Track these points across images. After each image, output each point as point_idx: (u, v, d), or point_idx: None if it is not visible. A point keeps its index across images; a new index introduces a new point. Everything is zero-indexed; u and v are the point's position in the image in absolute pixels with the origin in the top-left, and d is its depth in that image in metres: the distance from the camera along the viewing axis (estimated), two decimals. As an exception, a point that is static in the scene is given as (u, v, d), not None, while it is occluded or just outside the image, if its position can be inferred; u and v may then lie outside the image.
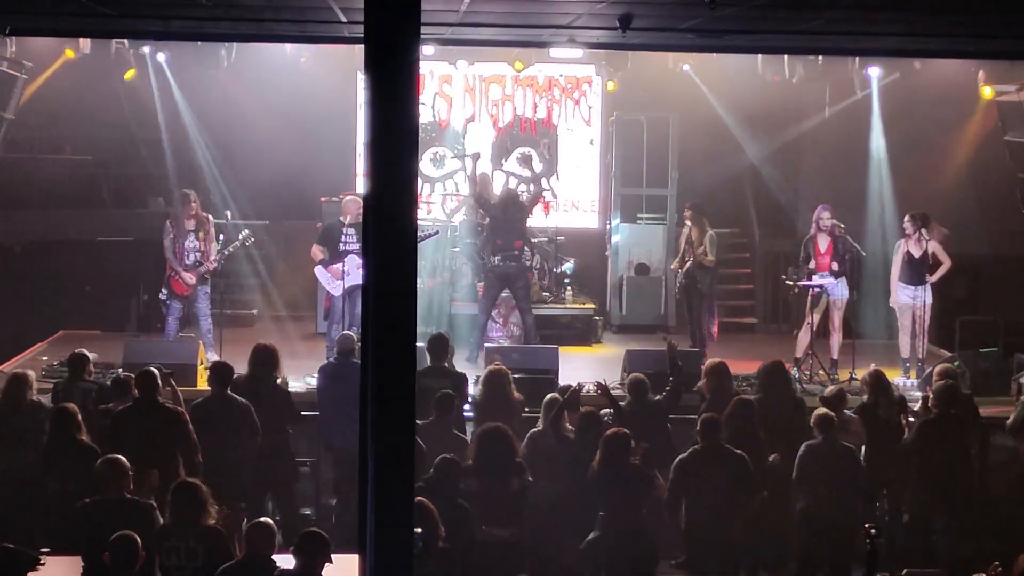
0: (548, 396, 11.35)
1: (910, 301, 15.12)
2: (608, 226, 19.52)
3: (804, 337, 15.14)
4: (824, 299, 15.09)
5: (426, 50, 16.82)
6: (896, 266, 15.21)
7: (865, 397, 12.04)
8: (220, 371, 11.26)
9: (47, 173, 19.70)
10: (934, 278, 15.10)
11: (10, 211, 18.89)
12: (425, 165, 19.82)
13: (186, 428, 10.56)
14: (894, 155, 18.29)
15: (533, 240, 17.45)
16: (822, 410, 11.08)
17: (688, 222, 15.87)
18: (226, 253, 14.89)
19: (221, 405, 11.11)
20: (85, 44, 17.10)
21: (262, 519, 8.59)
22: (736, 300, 19.33)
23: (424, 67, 18.93)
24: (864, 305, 15.55)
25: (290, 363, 13.55)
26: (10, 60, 16.32)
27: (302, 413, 11.99)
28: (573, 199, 20.28)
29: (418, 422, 10.04)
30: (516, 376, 12.25)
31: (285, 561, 8.20)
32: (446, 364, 12.25)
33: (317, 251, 15.15)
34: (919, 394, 13.02)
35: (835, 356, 15.13)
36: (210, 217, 15.13)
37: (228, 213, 15.27)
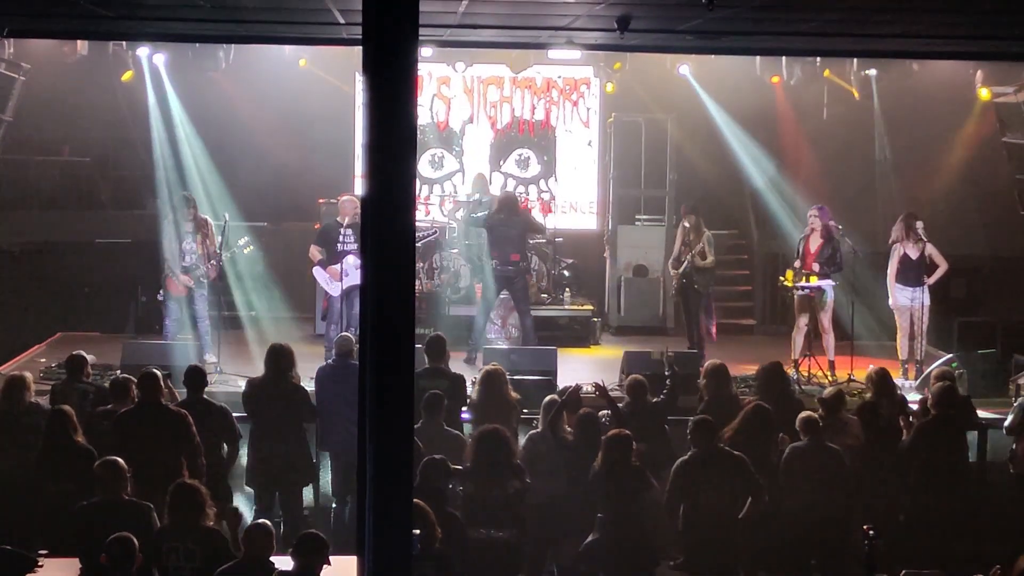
0: (547, 398, 11.34)
1: (908, 303, 15.13)
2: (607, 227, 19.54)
3: (798, 339, 15.16)
4: (813, 300, 15.08)
5: (424, 52, 16.85)
6: (892, 268, 15.22)
7: (868, 395, 12.03)
8: (148, 380, 11.11)
9: (45, 175, 19.70)
10: (931, 281, 15.11)
11: (8, 213, 18.89)
12: (423, 167, 19.83)
13: (190, 431, 10.54)
14: (893, 156, 18.30)
15: (531, 241, 17.42)
16: (807, 412, 11.08)
17: (685, 223, 15.88)
18: (224, 256, 14.86)
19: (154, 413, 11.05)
20: (83, 46, 17.11)
21: (260, 520, 8.59)
22: (734, 301, 19.33)
23: (422, 68, 18.94)
24: (863, 306, 15.52)
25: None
26: (8, 62, 16.32)
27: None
28: (571, 200, 20.29)
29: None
30: (515, 377, 12.24)
31: (284, 563, 8.20)
32: (443, 366, 12.24)
33: (315, 252, 15.16)
34: (917, 396, 13.02)
35: (831, 357, 15.13)
36: (208, 220, 15.11)
37: (226, 215, 15.24)
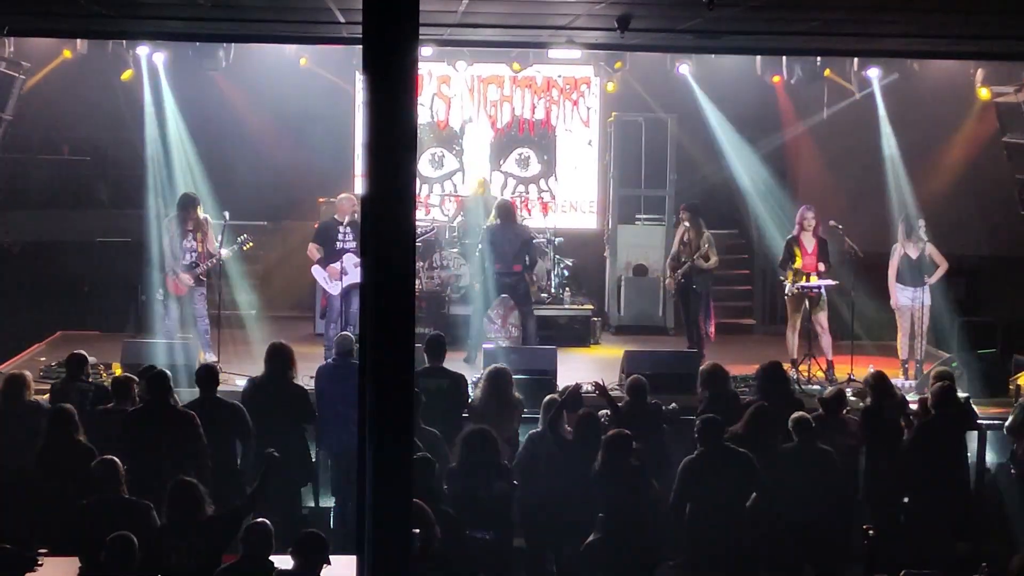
0: (547, 397, 11.34)
1: (909, 303, 15.13)
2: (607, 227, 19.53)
3: (793, 338, 15.15)
4: (810, 301, 15.06)
5: (425, 51, 16.85)
6: (893, 268, 15.21)
7: (868, 400, 12.02)
8: (158, 380, 11.02)
9: (45, 173, 19.71)
10: (932, 280, 15.11)
11: (8, 211, 18.88)
12: (423, 166, 19.83)
13: (197, 431, 10.54)
14: (899, 155, 18.29)
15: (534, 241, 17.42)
16: (799, 413, 11.08)
17: (684, 223, 15.86)
18: (224, 254, 14.85)
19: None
20: (82, 44, 17.10)
21: (260, 519, 8.59)
22: (734, 301, 19.32)
23: (423, 68, 18.93)
24: (863, 306, 15.51)
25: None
26: (8, 60, 16.32)
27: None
28: (571, 200, 20.29)
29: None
30: (515, 377, 12.22)
31: (283, 562, 8.20)
32: (443, 365, 12.23)
33: (313, 250, 15.14)
34: (917, 396, 13.01)
35: (830, 357, 15.12)
36: (208, 219, 15.11)
37: (226, 214, 15.23)
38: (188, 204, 14.86)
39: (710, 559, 10.39)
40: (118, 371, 13.23)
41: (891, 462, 11.60)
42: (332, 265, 14.91)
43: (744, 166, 19.23)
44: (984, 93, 17.20)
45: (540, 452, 10.88)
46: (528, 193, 19.99)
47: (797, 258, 15.03)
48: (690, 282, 15.63)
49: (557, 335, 16.94)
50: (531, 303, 16.29)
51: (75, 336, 16.36)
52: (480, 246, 16.10)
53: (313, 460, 11.94)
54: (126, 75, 17.77)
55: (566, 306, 17.87)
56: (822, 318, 15.10)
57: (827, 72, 18.15)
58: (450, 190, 19.91)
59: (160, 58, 17.36)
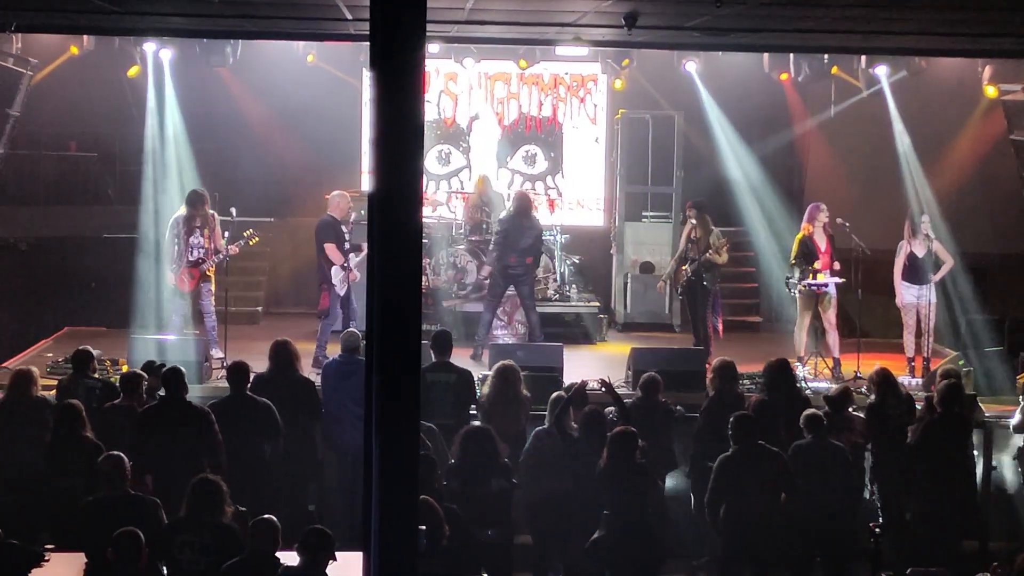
0: (553, 394, 11.34)
1: (915, 300, 15.10)
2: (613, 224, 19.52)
3: (801, 336, 15.13)
4: (820, 299, 15.05)
5: (432, 48, 16.83)
6: (899, 266, 15.19)
7: (873, 397, 12.01)
8: (173, 376, 11.01)
9: (52, 169, 19.73)
10: (937, 277, 15.10)
11: (16, 207, 18.91)
12: (430, 162, 19.84)
13: (212, 428, 10.55)
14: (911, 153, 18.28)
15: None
16: (811, 410, 11.09)
17: (691, 220, 15.84)
18: (231, 251, 14.83)
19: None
20: (89, 41, 17.11)
21: (266, 515, 8.59)
22: (740, 299, 19.31)
23: (430, 65, 18.93)
24: (869, 304, 15.50)
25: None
26: (15, 57, 16.33)
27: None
28: (578, 197, 20.30)
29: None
30: (522, 374, 12.21)
31: (289, 558, 8.21)
32: (450, 360, 12.22)
33: (336, 251, 14.86)
34: (924, 393, 12.99)
35: (837, 355, 15.11)
36: (215, 214, 15.10)
37: (233, 210, 15.22)
38: (196, 201, 14.84)
39: (742, 558, 10.40)
40: (125, 367, 13.24)
41: (897, 460, 11.59)
42: (354, 270, 14.71)
43: (750, 163, 19.22)
44: (989, 91, 17.17)
45: (546, 449, 10.88)
46: (535, 190, 19.97)
47: (815, 257, 15.01)
48: (700, 278, 15.59)
49: (564, 332, 16.94)
50: (535, 298, 16.29)
51: (82, 332, 16.38)
52: (494, 238, 16.10)
53: (319, 456, 11.94)
54: (133, 71, 17.78)
55: (573, 303, 17.86)
56: (831, 316, 15.09)
57: (834, 69, 18.14)
58: (457, 187, 19.91)
59: (167, 54, 17.35)
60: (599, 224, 20.16)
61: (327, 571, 8.05)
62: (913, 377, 14.79)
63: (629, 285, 18.77)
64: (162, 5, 13.23)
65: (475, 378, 12.39)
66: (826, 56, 17.62)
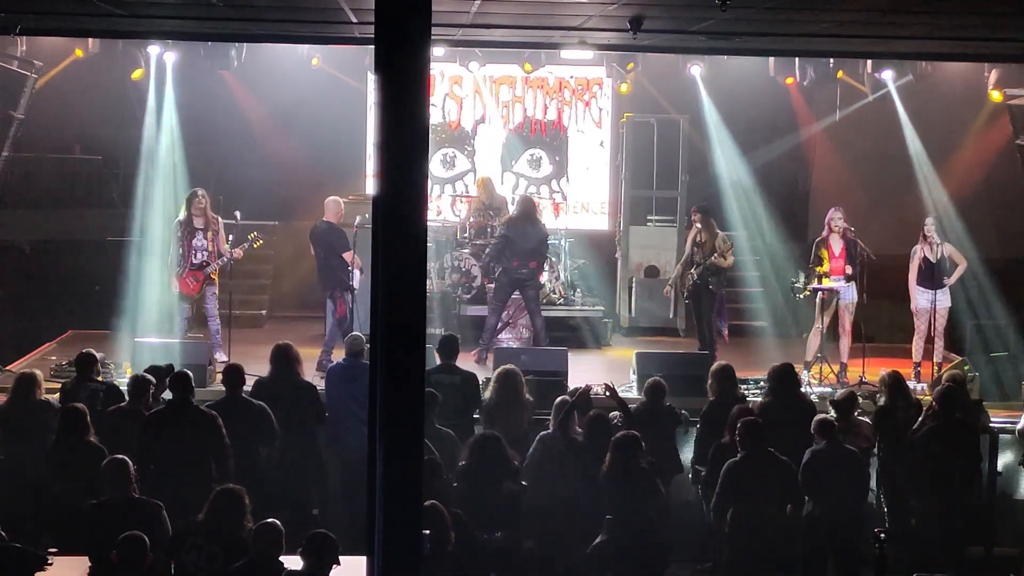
0: (558, 398, 11.35)
1: (927, 305, 15.06)
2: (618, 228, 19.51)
3: (814, 340, 15.13)
4: (834, 302, 15.09)
5: (436, 51, 16.85)
6: (913, 271, 15.17)
7: (882, 400, 12.01)
8: (180, 380, 11.01)
9: (56, 172, 19.74)
10: (951, 280, 15.10)
11: (20, 210, 18.91)
12: (435, 166, 19.84)
13: (220, 432, 10.54)
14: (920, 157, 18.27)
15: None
16: (822, 415, 11.09)
17: (697, 224, 15.83)
18: (235, 254, 14.84)
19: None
20: (94, 44, 17.12)
21: (269, 519, 8.59)
22: (745, 303, 19.28)
23: (435, 68, 18.93)
24: (875, 308, 15.49)
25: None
26: (20, 59, 16.34)
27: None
28: (583, 201, 20.29)
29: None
30: (526, 378, 12.22)
31: (293, 563, 8.20)
32: (455, 363, 12.23)
33: (354, 257, 14.85)
34: (932, 399, 12.98)
35: (844, 360, 15.12)
36: (219, 218, 15.12)
37: (237, 213, 15.23)
38: (191, 201, 14.85)
39: (748, 564, 10.40)
40: (129, 371, 13.25)
41: (903, 465, 11.58)
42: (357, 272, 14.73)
43: (755, 167, 19.23)
44: (995, 95, 17.16)
45: (550, 453, 10.89)
46: (540, 194, 19.97)
47: (825, 261, 15.01)
48: (705, 282, 15.58)
49: (568, 336, 16.93)
50: (539, 302, 16.29)
51: (86, 335, 16.38)
52: (496, 240, 16.11)
53: (323, 460, 11.95)
54: (137, 74, 17.76)
55: (577, 307, 17.86)
56: (846, 321, 15.09)
57: (840, 73, 18.14)
58: (461, 191, 19.91)
59: (170, 57, 17.35)
60: (604, 228, 20.15)
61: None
62: (919, 382, 14.77)
63: (634, 289, 18.76)
64: (166, 8, 13.24)
65: (480, 381, 12.40)
66: (831, 60, 17.62)
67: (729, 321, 16.48)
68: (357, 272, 14.74)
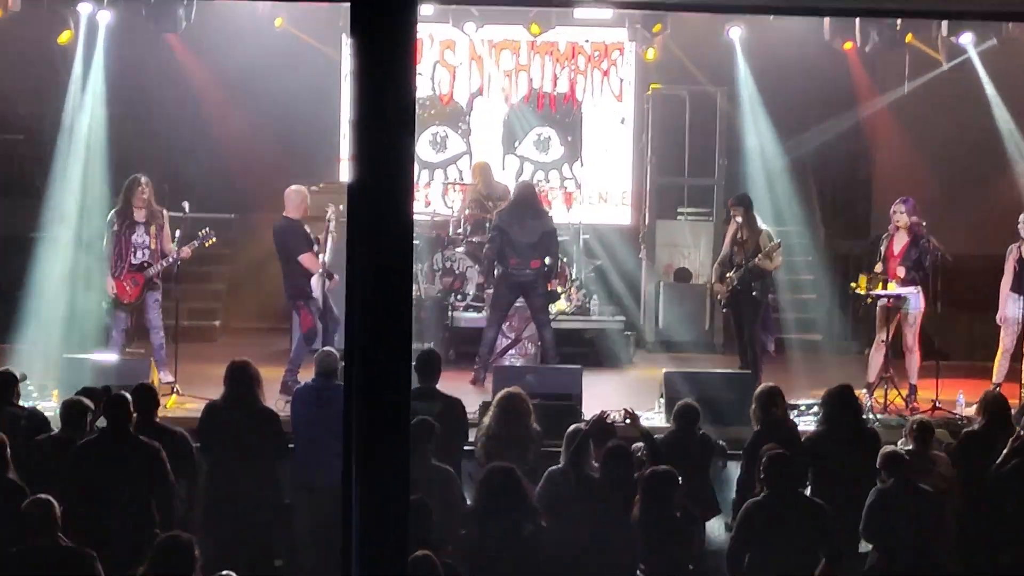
0: (571, 427, 11.35)
1: (1017, 314, 15.00)
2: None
3: (876, 358, 15.12)
4: (895, 313, 15.06)
5: (425, 10, 16.89)
6: (1008, 274, 15.10)
7: (976, 425, 12.02)
8: (117, 405, 10.97)
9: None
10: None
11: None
12: (423, 148, 19.87)
13: (164, 467, 10.52)
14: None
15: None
16: (889, 448, 11.08)
17: (736, 218, 15.84)
18: (182, 253, 14.85)
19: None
20: (14, 1, 17.12)
21: (224, 573, 8.59)
22: (796, 312, 19.26)
23: (423, 30, 18.97)
24: (952, 320, 15.50)
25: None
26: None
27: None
28: (600, 190, 20.31)
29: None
30: (531, 402, 12.22)
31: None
32: (436, 386, 12.21)
33: (312, 260, 14.78)
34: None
35: (914, 380, 15.11)
36: (164, 211, 15.13)
37: (185, 205, 15.24)
38: (130, 190, 14.84)
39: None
40: (56, 394, 13.25)
41: (989, 504, 11.57)
42: (337, 278, 14.67)
43: (806, 150, 19.24)
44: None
45: (561, 492, 10.88)
46: (548, 181, 20.01)
47: (883, 262, 15.02)
48: (748, 288, 15.58)
49: (583, 352, 16.95)
50: (548, 311, 16.29)
51: (4, 350, 16.38)
52: (491, 235, 16.12)
53: (286, 502, 11.96)
54: (64, 37, 17.76)
55: (593, 318, 17.89)
56: (909, 335, 15.08)
57: (909, 38, 18.15)
58: (454, 177, 19.94)
59: (104, 17, 17.36)
60: (626, 222, 20.18)
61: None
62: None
63: (661, 296, 18.79)
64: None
65: (471, 407, 12.39)
66: (899, 22, 17.63)
67: (776, 334, 16.48)
68: (315, 280, 14.68)
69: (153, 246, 14.82)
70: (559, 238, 16.88)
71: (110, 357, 14.46)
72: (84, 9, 17.24)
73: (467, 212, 18.05)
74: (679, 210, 19.52)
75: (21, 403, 12.12)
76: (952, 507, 11.50)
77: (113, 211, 15.09)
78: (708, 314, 18.53)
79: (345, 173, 18.25)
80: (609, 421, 11.50)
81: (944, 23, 17.85)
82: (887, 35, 17.96)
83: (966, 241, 16.12)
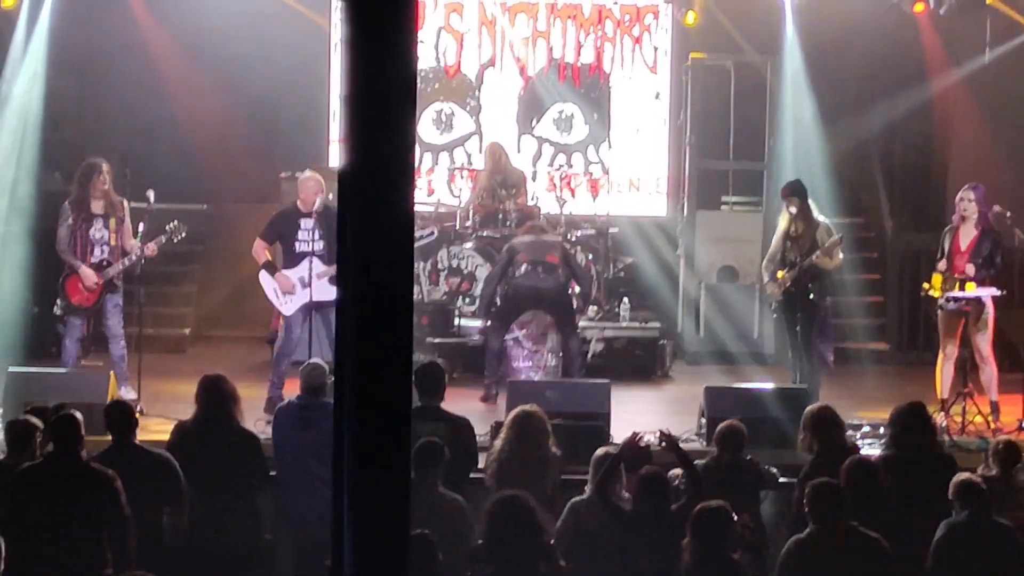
0: (598, 451, 11.37)
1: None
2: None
3: (947, 370, 15.10)
4: (966, 318, 15.04)
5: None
6: None
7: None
8: (65, 425, 11.07)
9: None
10: None
11: None
12: (425, 127, 19.90)
13: (118, 498, 10.54)
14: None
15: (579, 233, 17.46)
16: (963, 475, 11.05)
17: (790, 209, 15.85)
18: (147, 251, 14.88)
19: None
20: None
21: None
22: (860, 318, 19.27)
23: (424, -8, 19.06)
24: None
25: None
26: None
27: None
28: (631, 176, 20.33)
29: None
30: (553, 422, 12.24)
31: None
32: (440, 405, 12.23)
33: (261, 249, 14.95)
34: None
35: (994, 396, 15.07)
36: (125, 201, 15.15)
37: (150, 195, 15.27)
38: (87, 177, 14.84)
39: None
40: None
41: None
42: (283, 273, 14.72)
43: (871, 130, 19.25)
44: None
45: (587, 527, 10.91)
46: (571, 166, 20.03)
47: (945, 257, 15.02)
48: (803, 290, 15.57)
49: (612, 364, 16.99)
50: (575, 317, 16.31)
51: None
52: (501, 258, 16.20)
53: (267, 537, 12.00)
54: (8, 2, 17.83)
55: (624, 324, 17.91)
56: (982, 343, 15.06)
57: (990, -1, 18.21)
58: (462, 161, 19.96)
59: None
60: (661, 214, 20.21)
61: None
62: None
63: (703, 298, 18.80)
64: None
65: (481, 428, 12.43)
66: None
67: (836, 343, 16.48)
68: (265, 273, 14.88)
69: (113, 242, 14.83)
70: (584, 231, 16.91)
71: (62, 370, 14.50)
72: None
73: (477, 202, 18.06)
74: (723, 199, 19.55)
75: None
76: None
77: (67, 202, 15.08)
78: (757, 320, 18.54)
79: (335, 157, 18.34)
80: (643, 444, 11.53)
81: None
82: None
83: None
